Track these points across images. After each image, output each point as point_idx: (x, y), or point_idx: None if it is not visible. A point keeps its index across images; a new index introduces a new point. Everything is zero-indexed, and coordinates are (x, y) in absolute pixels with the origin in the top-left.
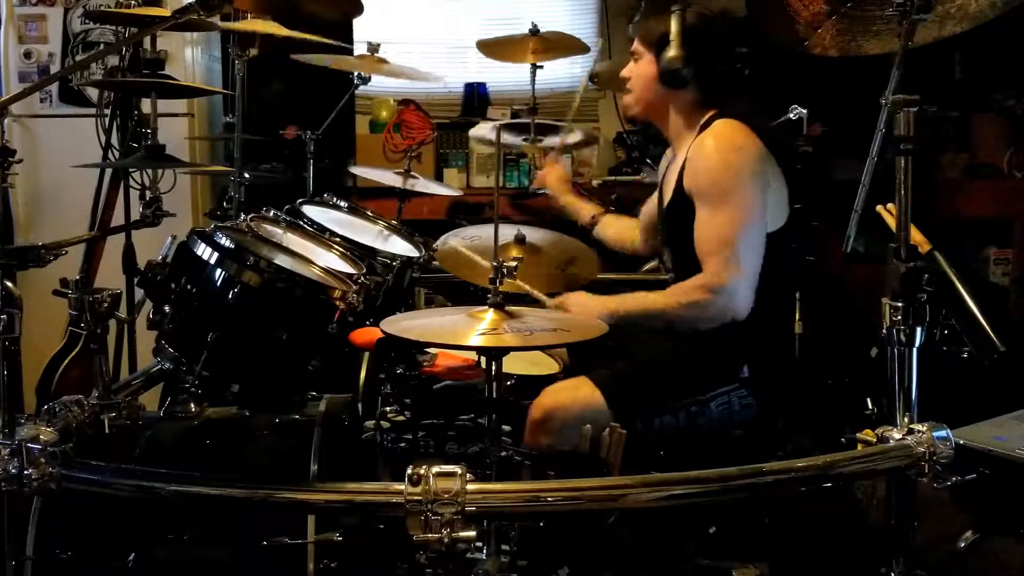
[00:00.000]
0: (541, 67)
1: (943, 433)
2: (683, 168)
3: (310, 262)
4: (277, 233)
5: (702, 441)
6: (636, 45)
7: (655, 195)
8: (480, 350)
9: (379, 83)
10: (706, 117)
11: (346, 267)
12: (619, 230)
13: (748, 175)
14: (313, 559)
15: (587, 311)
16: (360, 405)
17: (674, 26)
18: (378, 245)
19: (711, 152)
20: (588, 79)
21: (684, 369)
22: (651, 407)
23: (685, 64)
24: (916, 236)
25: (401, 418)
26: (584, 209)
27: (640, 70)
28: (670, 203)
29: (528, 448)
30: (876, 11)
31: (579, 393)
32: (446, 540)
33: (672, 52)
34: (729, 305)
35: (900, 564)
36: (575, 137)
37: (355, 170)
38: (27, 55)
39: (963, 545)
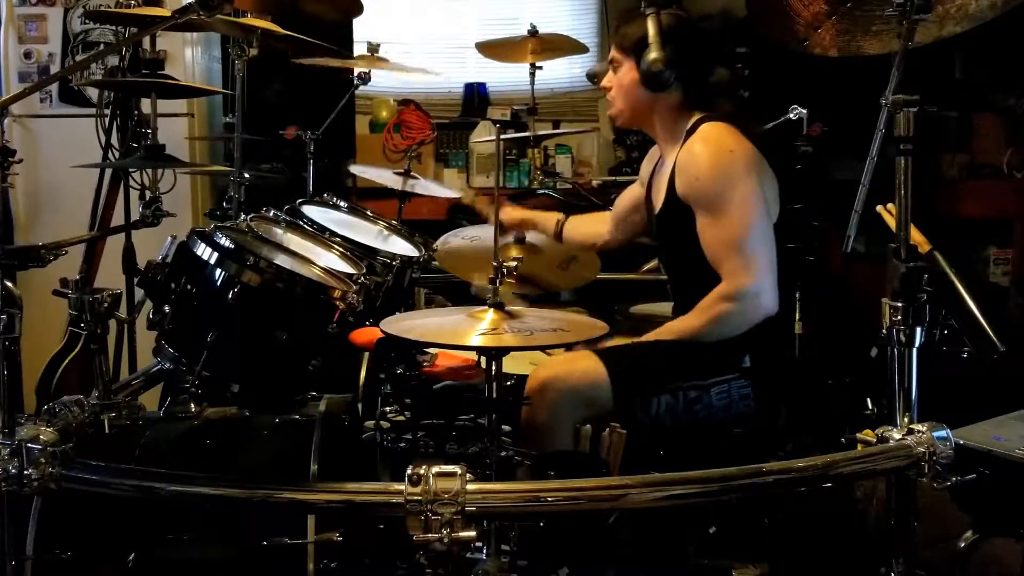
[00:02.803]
0: (540, 67)
1: (943, 433)
2: (673, 174)
3: (310, 262)
4: (277, 233)
5: (699, 430)
6: (614, 53)
7: (630, 189)
8: (480, 350)
9: (379, 83)
10: (692, 121)
11: (346, 267)
12: (586, 229)
13: (742, 175)
14: (313, 559)
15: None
16: (360, 405)
17: (651, 28)
18: (378, 245)
19: (702, 157)
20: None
21: (688, 351)
22: (652, 385)
23: (667, 65)
24: (916, 236)
25: (401, 418)
26: (547, 219)
27: (621, 78)
28: (662, 210)
29: (524, 424)
30: (876, 11)
31: (579, 364)
32: (446, 540)
33: (653, 54)
34: (756, 306)
35: (900, 564)
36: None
37: (355, 170)
38: (27, 55)
39: (963, 545)
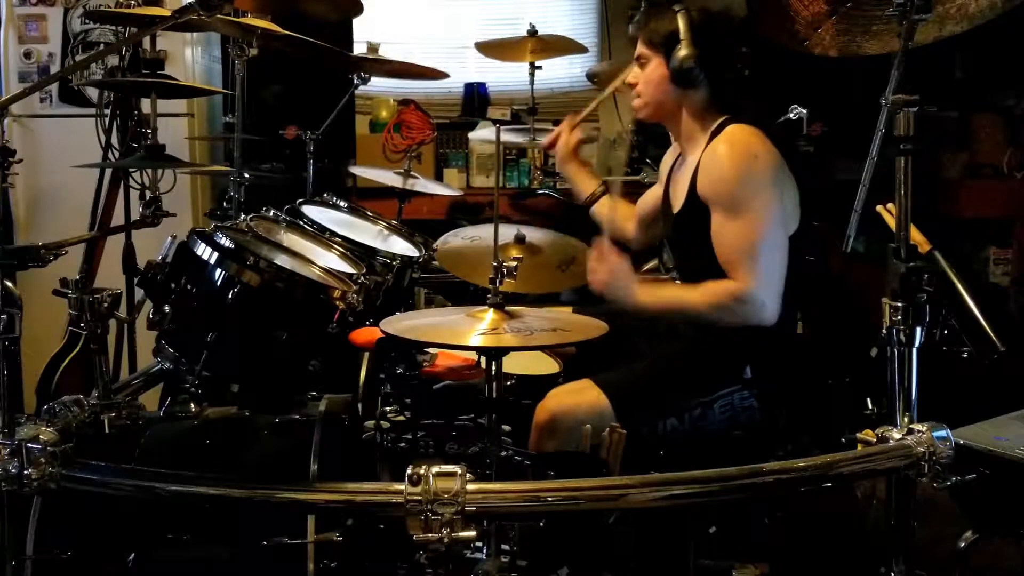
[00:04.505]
0: (540, 67)
1: (943, 433)
2: (695, 173)
3: (310, 262)
4: (277, 233)
5: (705, 443)
6: (641, 49)
7: (653, 190)
8: (480, 350)
9: (379, 83)
10: (718, 122)
11: (346, 267)
12: (617, 215)
13: (765, 182)
14: (313, 559)
15: (617, 288)
16: (360, 405)
17: (682, 25)
18: (378, 245)
19: (726, 159)
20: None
21: (689, 371)
22: (656, 410)
23: (698, 62)
24: (916, 236)
25: (401, 418)
26: (585, 182)
27: (649, 74)
28: (682, 208)
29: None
30: (876, 11)
31: (584, 397)
32: (446, 540)
33: (684, 51)
34: (754, 313)
35: (900, 564)
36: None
37: (355, 170)
38: (27, 55)
39: (963, 545)
